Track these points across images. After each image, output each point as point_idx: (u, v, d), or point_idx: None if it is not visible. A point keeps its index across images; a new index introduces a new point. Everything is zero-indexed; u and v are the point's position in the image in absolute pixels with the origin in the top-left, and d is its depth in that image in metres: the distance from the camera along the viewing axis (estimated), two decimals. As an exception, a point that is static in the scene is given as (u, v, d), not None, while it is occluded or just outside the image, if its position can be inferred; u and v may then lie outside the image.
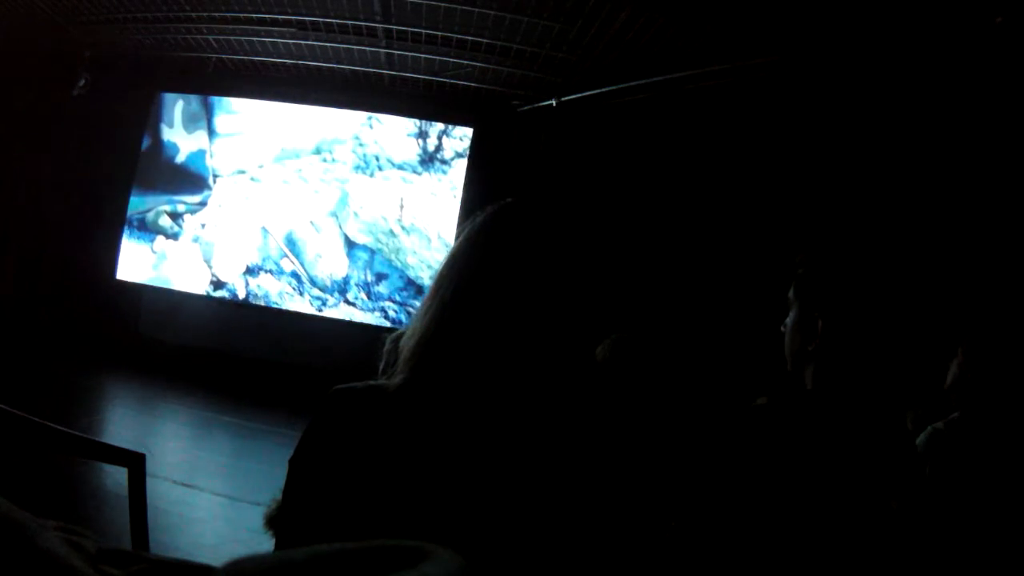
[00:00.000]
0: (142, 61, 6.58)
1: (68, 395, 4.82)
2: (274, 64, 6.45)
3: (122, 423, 4.96)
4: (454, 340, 0.79)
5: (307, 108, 6.77)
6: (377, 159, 6.72)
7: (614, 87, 5.58)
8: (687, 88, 5.25)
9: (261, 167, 6.83)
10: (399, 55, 5.92)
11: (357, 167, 6.73)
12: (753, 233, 5.23)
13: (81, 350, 6.05)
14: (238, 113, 6.90)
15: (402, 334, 1.20)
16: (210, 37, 6.03)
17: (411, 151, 6.71)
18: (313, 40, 5.82)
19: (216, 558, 0.31)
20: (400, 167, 6.69)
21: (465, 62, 5.80)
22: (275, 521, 1.49)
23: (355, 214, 6.70)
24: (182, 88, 6.93)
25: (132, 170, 6.91)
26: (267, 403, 5.81)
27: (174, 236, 6.90)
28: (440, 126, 6.69)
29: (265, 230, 6.78)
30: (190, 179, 6.91)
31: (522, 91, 6.15)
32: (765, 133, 5.32)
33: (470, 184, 6.55)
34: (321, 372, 5.27)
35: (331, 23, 5.49)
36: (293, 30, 5.69)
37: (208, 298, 6.79)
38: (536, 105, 6.18)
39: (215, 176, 6.88)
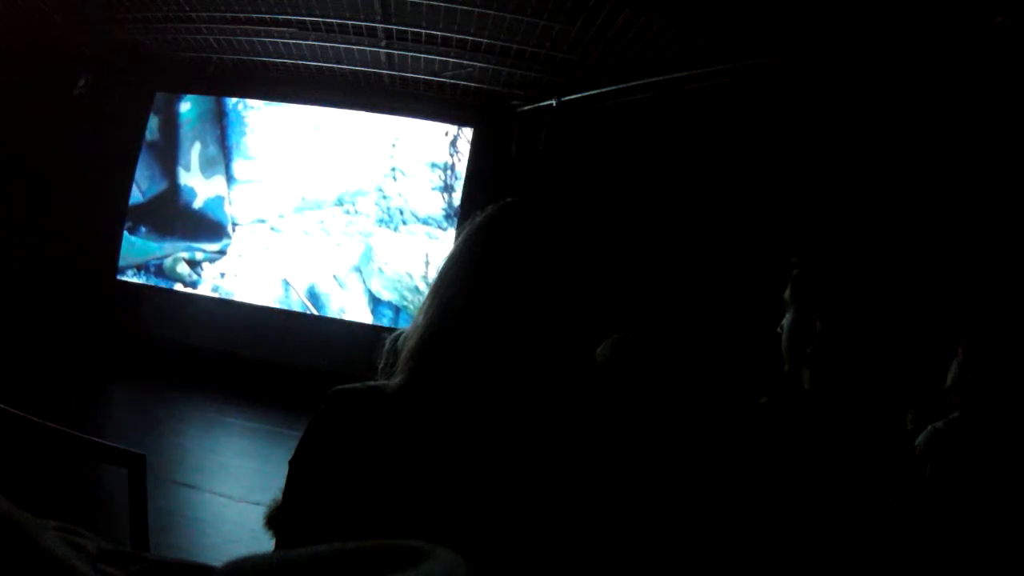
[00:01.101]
0: (142, 61, 6.58)
1: (68, 395, 4.82)
2: (274, 64, 6.45)
3: (123, 423, 4.96)
4: (454, 341, 0.79)
5: (328, 157, 6.61)
6: (401, 212, 6.56)
7: (614, 87, 5.57)
8: (687, 88, 5.25)
9: (281, 217, 6.71)
10: (399, 55, 5.92)
11: (381, 220, 6.58)
12: (753, 233, 5.23)
13: (81, 350, 6.05)
14: (256, 159, 6.78)
15: (402, 334, 1.20)
16: (210, 37, 6.03)
17: (436, 205, 6.56)
18: (313, 40, 5.82)
19: (216, 558, 0.31)
20: (425, 222, 6.54)
21: (465, 62, 5.80)
22: (275, 521, 1.49)
23: (379, 270, 6.54)
24: (182, 88, 6.92)
25: (132, 170, 6.91)
26: (267, 403, 5.81)
27: (192, 284, 6.80)
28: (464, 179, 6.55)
29: (286, 282, 6.66)
30: (208, 226, 6.81)
31: (522, 91, 6.15)
32: (765, 133, 5.32)
33: (470, 184, 6.54)
34: (321, 372, 5.27)
35: (331, 23, 5.49)
36: (293, 30, 5.69)
37: (208, 299, 6.79)
38: (536, 105, 6.18)
39: (234, 224, 6.78)
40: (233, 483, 3.99)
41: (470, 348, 0.79)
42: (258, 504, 3.01)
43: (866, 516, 1.04)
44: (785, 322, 1.20)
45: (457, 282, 0.82)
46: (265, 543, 1.48)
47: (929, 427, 1.60)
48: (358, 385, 0.83)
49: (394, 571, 0.27)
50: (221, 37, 6.01)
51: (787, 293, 1.20)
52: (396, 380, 0.81)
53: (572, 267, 0.83)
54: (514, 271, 0.81)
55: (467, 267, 0.82)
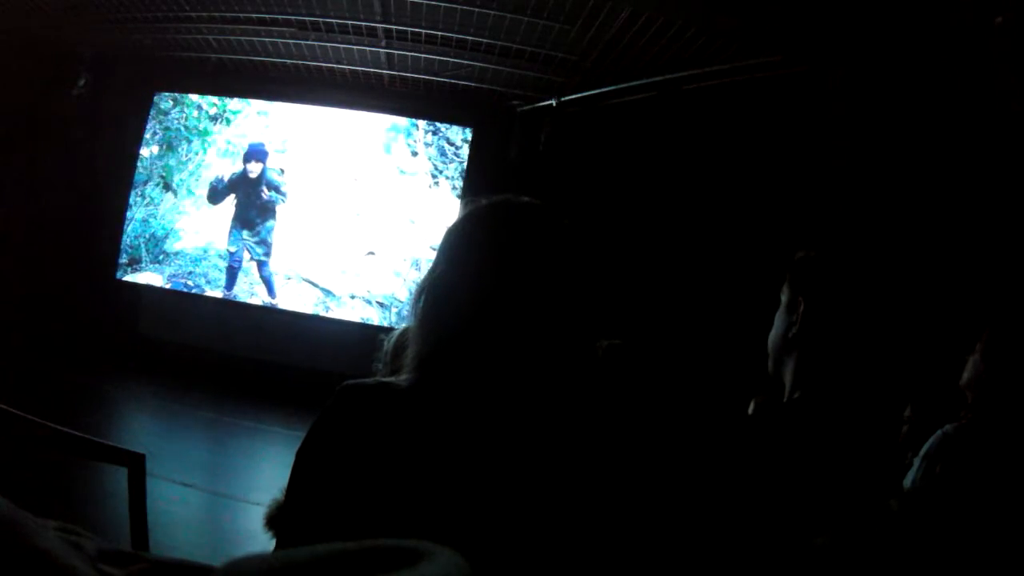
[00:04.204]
0: (142, 61, 6.58)
1: (68, 395, 4.82)
2: (274, 64, 6.45)
3: (122, 423, 4.96)
4: (471, 342, 0.79)
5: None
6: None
7: (614, 87, 5.57)
8: (686, 88, 5.25)
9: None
10: (399, 55, 5.92)
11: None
12: (753, 234, 5.23)
13: (81, 350, 6.05)
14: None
15: (400, 333, 1.19)
16: (210, 37, 6.03)
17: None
18: (313, 40, 5.82)
19: (216, 558, 0.31)
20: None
21: (465, 62, 5.80)
22: (275, 521, 1.49)
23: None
24: (182, 88, 6.92)
25: (132, 170, 6.91)
26: (267, 403, 5.80)
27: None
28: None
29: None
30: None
31: (522, 91, 6.15)
32: (766, 133, 5.32)
33: (470, 185, 6.55)
34: (321, 372, 5.27)
35: (331, 23, 5.49)
36: (293, 30, 5.69)
37: (208, 299, 6.78)
38: (536, 105, 6.18)
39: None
40: (233, 483, 3.98)
41: (489, 349, 0.78)
42: (258, 504, 3.00)
43: (866, 516, 1.04)
44: (777, 317, 1.14)
45: (475, 282, 0.81)
46: (265, 543, 1.48)
47: (939, 432, 1.57)
48: (368, 381, 0.84)
49: (394, 571, 0.27)
50: (221, 37, 6.01)
51: (784, 285, 1.14)
52: (406, 377, 0.81)
53: (587, 272, 0.83)
54: (539, 275, 0.80)
55: (486, 267, 0.81)
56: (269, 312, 6.70)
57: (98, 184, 6.77)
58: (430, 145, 6.73)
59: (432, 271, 0.85)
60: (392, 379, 0.83)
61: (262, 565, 0.27)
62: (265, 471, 4.10)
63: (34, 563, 0.25)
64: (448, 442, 0.76)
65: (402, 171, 6.72)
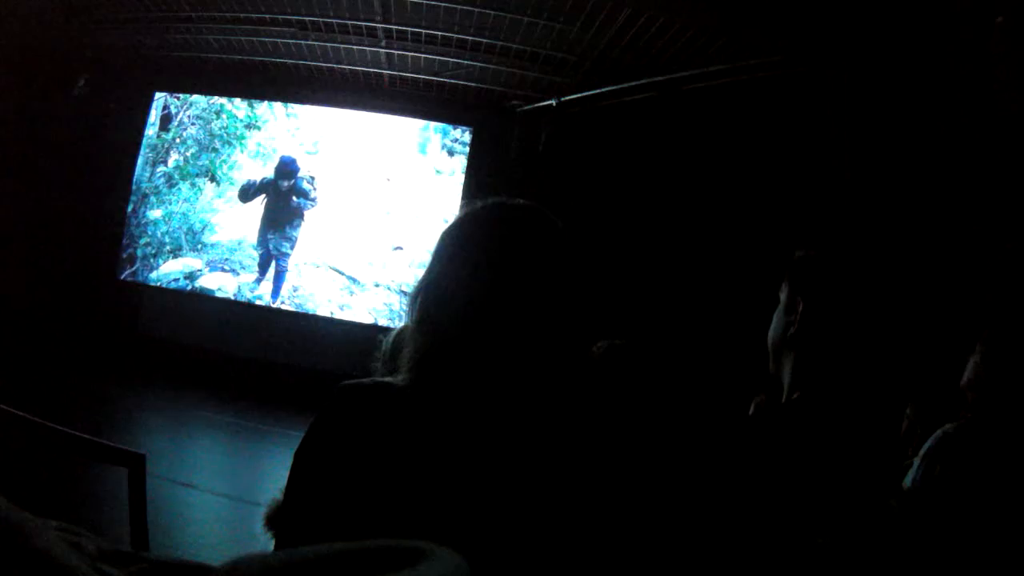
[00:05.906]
0: (142, 61, 6.58)
1: (68, 395, 4.82)
2: (274, 64, 6.45)
3: (122, 423, 4.95)
4: (467, 343, 0.79)
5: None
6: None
7: (614, 87, 5.57)
8: (687, 88, 5.25)
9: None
10: (399, 55, 5.92)
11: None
12: (751, 234, 5.23)
13: (81, 350, 6.05)
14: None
15: (398, 333, 1.19)
16: (210, 37, 6.03)
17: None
18: (313, 40, 5.83)
19: (216, 558, 0.31)
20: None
21: (465, 62, 5.80)
22: (275, 521, 1.49)
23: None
24: (182, 88, 6.93)
25: (131, 170, 6.92)
26: (267, 403, 5.80)
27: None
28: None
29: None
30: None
31: (522, 91, 6.15)
32: (765, 133, 5.32)
33: (469, 185, 6.55)
34: (321, 372, 5.27)
35: (331, 23, 5.49)
36: (293, 30, 5.69)
37: (208, 298, 6.79)
38: (536, 105, 6.18)
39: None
40: (233, 483, 3.99)
41: (484, 350, 0.78)
42: (258, 504, 3.01)
43: (866, 516, 1.04)
44: (775, 316, 1.14)
45: (471, 283, 0.81)
46: (265, 543, 1.48)
47: (939, 431, 1.57)
48: (365, 381, 0.84)
49: (394, 571, 0.27)
50: (221, 37, 6.01)
51: (784, 284, 1.14)
52: (402, 377, 0.81)
53: (583, 275, 0.83)
54: (533, 276, 0.81)
55: (482, 269, 0.81)
56: (268, 312, 6.71)
57: (98, 184, 6.77)
58: (467, 144, 6.84)
59: (428, 272, 0.85)
60: (389, 379, 0.83)
61: (262, 565, 0.27)
62: (265, 471, 4.10)
63: (34, 563, 0.25)
64: (444, 442, 0.76)
65: (438, 171, 6.85)
